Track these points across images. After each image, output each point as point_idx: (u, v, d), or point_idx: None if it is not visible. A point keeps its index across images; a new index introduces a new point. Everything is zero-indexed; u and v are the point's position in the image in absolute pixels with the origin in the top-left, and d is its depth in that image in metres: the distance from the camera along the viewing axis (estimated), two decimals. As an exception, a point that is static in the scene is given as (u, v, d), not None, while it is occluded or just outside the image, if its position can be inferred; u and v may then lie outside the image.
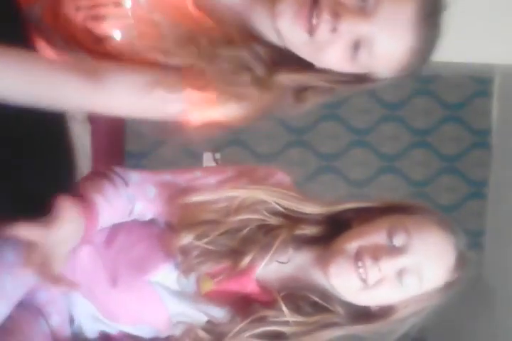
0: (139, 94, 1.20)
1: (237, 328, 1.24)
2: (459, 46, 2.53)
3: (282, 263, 1.27)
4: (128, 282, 1.25)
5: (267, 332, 1.25)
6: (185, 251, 1.25)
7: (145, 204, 1.30)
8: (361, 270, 1.21)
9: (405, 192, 3.53)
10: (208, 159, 3.37)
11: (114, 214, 1.27)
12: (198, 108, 1.23)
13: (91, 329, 1.30)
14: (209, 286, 1.26)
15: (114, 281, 1.25)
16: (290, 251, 1.27)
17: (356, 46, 1.14)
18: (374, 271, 1.21)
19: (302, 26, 1.14)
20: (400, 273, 1.22)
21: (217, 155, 3.37)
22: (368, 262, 1.21)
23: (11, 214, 1.13)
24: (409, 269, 1.22)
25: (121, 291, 1.25)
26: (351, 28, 1.13)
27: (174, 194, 1.29)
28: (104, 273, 1.26)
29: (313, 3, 1.12)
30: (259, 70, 1.21)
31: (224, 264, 1.25)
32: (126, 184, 1.29)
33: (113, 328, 1.30)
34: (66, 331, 1.28)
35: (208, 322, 1.26)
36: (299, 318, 1.26)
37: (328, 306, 1.28)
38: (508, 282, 3.19)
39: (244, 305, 1.27)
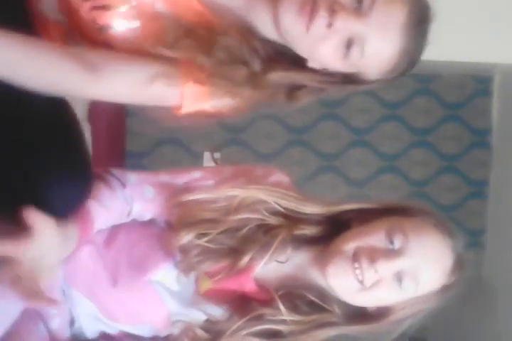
0: (136, 84, 1.23)
1: (235, 326, 1.24)
2: (459, 45, 2.53)
3: (281, 262, 1.28)
4: (128, 281, 1.25)
5: (264, 330, 1.25)
6: (184, 250, 1.25)
7: (143, 204, 1.30)
8: (358, 271, 1.22)
9: (405, 191, 3.53)
10: (208, 159, 3.37)
11: (110, 217, 1.27)
12: (192, 99, 1.27)
13: (91, 329, 1.30)
14: (207, 285, 1.26)
15: (114, 281, 1.26)
16: (289, 251, 1.28)
17: (349, 44, 1.20)
18: (370, 273, 1.21)
19: (301, 22, 1.19)
20: (397, 276, 1.22)
21: (217, 155, 3.37)
22: (365, 263, 1.21)
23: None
24: (406, 271, 1.22)
25: (121, 291, 1.25)
26: (346, 25, 1.18)
27: (172, 194, 1.30)
28: (105, 273, 1.26)
29: (313, 0, 1.18)
30: (256, 65, 1.25)
31: (223, 263, 1.25)
32: (124, 185, 1.29)
33: (113, 328, 1.30)
34: (65, 333, 1.28)
35: (207, 320, 1.26)
36: (296, 317, 1.26)
37: (325, 306, 1.28)
38: (509, 281, 3.20)
39: (242, 304, 1.27)
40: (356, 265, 1.22)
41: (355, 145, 3.54)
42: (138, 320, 1.28)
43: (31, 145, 1.19)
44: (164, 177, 1.34)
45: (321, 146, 3.51)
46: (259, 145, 3.46)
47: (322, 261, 1.26)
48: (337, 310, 1.28)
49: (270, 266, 1.28)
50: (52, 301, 1.14)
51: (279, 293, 1.27)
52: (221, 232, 1.26)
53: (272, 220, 1.28)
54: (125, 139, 3.36)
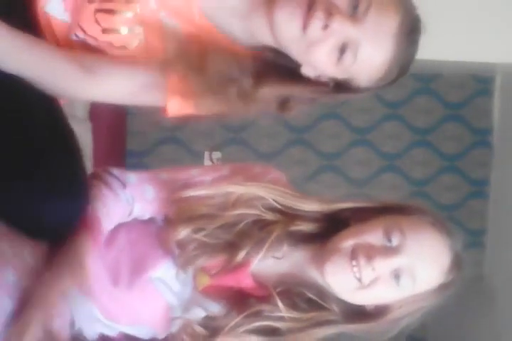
0: (128, 89, 1.29)
1: (233, 323, 1.24)
2: (460, 45, 2.53)
3: (277, 258, 1.28)
4: (129, 280, 1.26)
5: (261, 327, 1.26)
6: (182, 244, 1.26)
7: (143, 204, 1.31)
8: (355, 269, 1.22)
9: (406, 191, 3.53)
10: (208, 158, 3.38)
11: (114, 220, 1.28)
12: (178, 110, 1.32)
13: (91, 331, 1.30)
14: (205, 282, 1.26)
15: (115, 280, 1.26)
16: (285, 247, 1.28)
17: (343, 49, 1.22)
18: (368, 271, 1.22)
19: (297, 23, 1.21)
20: (395, 273, 1.23)
21: (217, 154, 3.37)
22: (362, 261, 1.22)
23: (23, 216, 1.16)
24: (403, 269, 1.23)
25: (123, 290, 1.26)
26: (341, 28, 1.20)
27: (172, 193, 1.30)
28: (106, 272, 1.26)
29: (310, 2, 1.20)
30: (246, 83, 1.28)
31: (220, 258, 1.26)
32: (124, 186, 1.30)
33: (113, 329, 1.30)
34: (66, 334, 1.28)
35: (205, 317, 1.26)
36: (294, 314, 1.26)
37: (323, 304, 1.28)
38: (509, 281, 3.20)
39: (240, 300, 1.27)
40: (354, 263, 1.22)
41: (356, 144, 3.54)
42: (138, 320, 1.28)
43: (26, 157, 1.19)
44: (163, 176, 1.35)
45: (322, 146, 3.51)
46: (259, 145, 3.46)
47: (320, 258, 1.27)
48: (335, 308, 1.28)
49: (268, 263, 1.28)
50: None
51: (278, 289, 1.27)
52: (218, 227, 1.27)
53: (269, 216, 1.29)
54: (126, 138, 3.37)
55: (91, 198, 1.24)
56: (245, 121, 3.39)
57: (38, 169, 1.18)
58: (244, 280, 1.28)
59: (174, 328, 1.27)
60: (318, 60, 1.25)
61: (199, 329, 1.25)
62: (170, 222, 1.28)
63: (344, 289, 1.26)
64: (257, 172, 1.38)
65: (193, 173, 1.36)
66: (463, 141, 3.57)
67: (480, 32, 2.56)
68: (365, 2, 1.21)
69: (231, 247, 1.27)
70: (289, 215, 1.30)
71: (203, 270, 1.26)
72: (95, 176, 1.30)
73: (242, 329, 1.24)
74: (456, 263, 1.28)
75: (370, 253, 1.22)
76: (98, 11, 1.29)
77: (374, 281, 1.23)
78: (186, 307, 1.26)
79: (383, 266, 1.22)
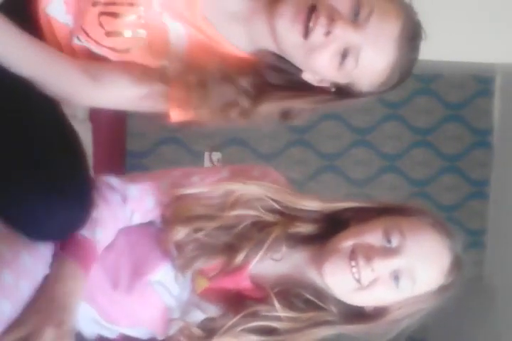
0: (130, 97, 1.30)
1: (230, 323, 1.24)
2: (461, 45, 2.53)
3: (276, 260, 1.28)
4: (129, 283, 1.26)
5: (259, 327, 1.26)
6: (180, 245, 1.26)
7: (144, 213, 1.31)
8: (354, 269, 1.22)
9: (406, 191, 3.53)
10: (208, 158, 3.37)
11: (110, 238, 1.28)
12: (179, 118, 1.34)
13: (90, 333, 1.30)
14: (204, 284, 1.26)
15: (115, 284, 1.26)
16: (284, 249, 1.28)
17: (345, 54, 1.23)
18: (367, 271, 1.22)
19: (298, 28, 1.22)
20: (394, 274, 1.23)
21: (217, 155, 3.37)
22: (361, 262, 1.22)
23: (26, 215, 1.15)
24: (402, 271, 1.23)
25: (122, 293, 1.26)
26: (344, 33, 1.21)
27: (171, 194, 1.30)
28: (105, 276, 1.26)
29: (312, 8, 1.21)
30: (246, 103, 1.30)
31: (218, 260, 1.26)
32: (125, 200, 1.29)
33: (113, 331, 1.30)
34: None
35: (203, 319, 1.26)
36: (291, 314, 1.26)
37: (321, 304, 1.28)
38: (510, 281, 3.19)
39: (237, 302, 1.27)
40: (353, 263, 1.22)
41: (356, 145, 3.53)
42: (138, 322, 1.28)
43: (32, 166, 1.18)
44: (164, 183, 1.33)
45: (322, 146, 3.51)
46: (260, 145, 3.45)
47: (319, 259, 1.27)
48: (334, 308, 1.28)
49: (266, 264, 1.28)
50: None
51: (275, 290, 1.27)
52: (216, 228, 1.27)
53: (268, 217, 1.29)
54: (126, 139, 3.36)
55: (95, 201, 1.23)
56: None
57: (39, 171, 1.17)
58: (242, 282, 1.28)
59: (172, 330, 1.27)
60: (320, 66, 1.25)
61: (196, 331, 1.25)
62: (168, 222, 1.28)
63: (343, 290, 1.26)
64: (255, 174, 1.38)
65: (194, 180, 1.35)
66: (463, 141, 3.57)
67: (480, 32, 2.56)
68: (367, 8, 1.22)
69: (230, 249, 1.26)
70: (288, 216, 1.30)
71: (201, 273, 1.26)
72: (94, 187, 1.29)
73: (238, 329, 1.24)
74: (456, 265, 1.28)
75: (370, 253, 1.22)
76: (102, 14, 1.29)
77: (373, 282, 1.23)
78: (184, 309, 1.26)
79: (382, 267, 1.22)
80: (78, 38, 1.32)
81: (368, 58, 1.24)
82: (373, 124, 3.53)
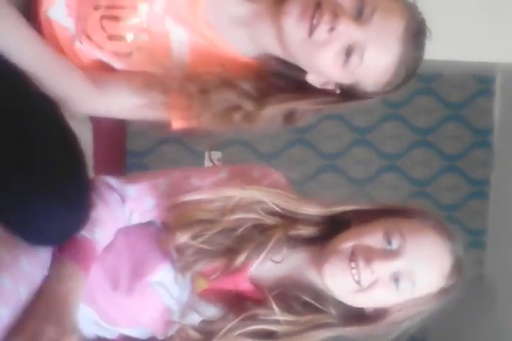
0: (131, 107, 1.31)
1: (228, 326, 1.24)
2: (461, 45, 2.53)
3: (276, 262, 1.28)
4: (129, 284, 1.25)
5: (257, 330, 1.25)
6: (181, 249, 1.25)
7: (142, 214, 1.31)
8: (354, 271, 1.22)
9: (407, 191, 3.52)
10: (209, 158, 3.37)
11: (109, 239, 1.27)
12: (181, 126, 1.35)
13: (90, 334, 1.30)
14: (203, 285, 1.26)
15: (115, 285, 1.25)
16: (284, 251, 1.28)
17: (349, 52, 1.23)
18: (367, 273, 1.22)
19: (304, 26, 1.22)
20: (394, 277, 1.22)
21: (218, 154, 3.36)
22: (361, 263, 1.22)
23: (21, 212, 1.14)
24: (402, 273, 1.22)
25: (122, 294, 1.25)
26: (347, 30, 1.21)
27: (171, 201, 1.29)
28: (106, 277, 1.25)
29: (317, 5, 1.21)
30: (249, 106, 1.30)
31: (218, 262, 1.25)
32: (123, 199, 1.29)
33: (112, 332, 1.30)
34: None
35: (202, 321, 1.26)
36: (290, 317, 1.26)
37: (320, 307, 1.28)
38: (510, 281, 3.19)
39: (237, 304, 1.27)
40: (353, 265, 1.22)
41: (357, 144, 3.53)
42: (138, 322, 1.28)
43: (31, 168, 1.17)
44: (163, 184, 1.33)
45: (322, 146, 3.51)
46: (260, 145, 3.45)
47: (319, 260, 1.26)
48: (333, 310, 1.28)
49: (266, 266, 1.28)
50: None
51: (274, 292, 1.27)
52: (217, 233, 1.26)
53: (269, 220, 1.28)
54: (126, 138, 3.36)
55: (92, 205, 1.23)
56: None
57: (37, 174, 1.16)
58: (242, 284, 1.27)
59: (171, 332, 1.26)
60: (325, 64, 1.25)
61: (193, 334, 1.24)
62: (168, 227, 1.28)
63: (343, 291, 1.26)
64: (255, 175, 1.37)
65: (192, 180, 1.34)
66: (463, 140, 3.57)
67: (480, 32, 2.56)
68: (371, 6, 1.22)
69: (230, 252, 1.26)
70: (289, 219, 1.30)
71: (201, 274, 1.26)
72: (93, 191, 1.28)
73: (237, 332, 1.24)
74: (457, 268, 1.27)
75: (370, 255, 1.22)
76: (104, 17, 1.29)
77: (373, 284, 1.23)
78: (184, 311, 1.26)
79: (382, 269, 1.22)
80: (80, 42, 1.32)
81: (372, 56, 1.23)
82: (373, 124, 3.53)
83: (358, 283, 1.22)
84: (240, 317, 1.24)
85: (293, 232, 1.29)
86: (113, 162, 3.01)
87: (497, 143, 3.54)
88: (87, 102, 1.30)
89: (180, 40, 1.31)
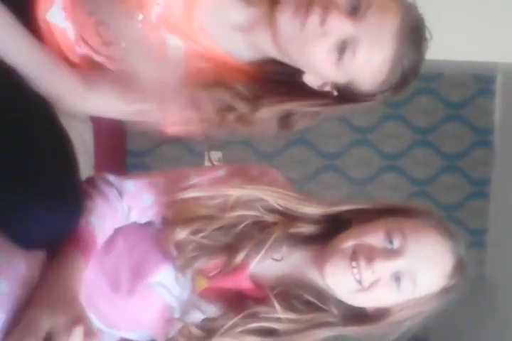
0: (121, 109, 1.30)
1: (229, 324, 1.24)
2: (461, 44, 2.52)
3: (276, 260, 1.28)
4: (130, 286, 1.25)
5: (258, 328, 1.25)
6: (180, 246, 1.25)
7: (140, 211, 1.31)
8: (355, 270, 1.22)
9: (407, 191, 3.52)
10: (209, 158, 3.37)
11: (109, 232, 1.27)
12: (176, 132, 1.35)
13: None
14: (203, 284, 1.26)
15: (115, 287, 1.25)
16: (284, 249, 1.28)
17: (342, 48, 1.21)
18: (368, 273, 1.21)
19: (296, 21, 1.21)
20: (395, 276, 1.22)
21: (218, 154, 3.36)
22: (362, 262, 1.21)
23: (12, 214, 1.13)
24: (404, 272, 1.22)
25: (123, 296, 1.25)
26: (339, 24, 1.20)
27: (169, 197, 1.29)
28: (106, 280, 1.25)
29: (310, 2, 1.20)
30: (243, 108, 1.29)
31: (218, 260, 1.25)
32: (121, 194, 1.29)
33: (113, 336, 1.29)
34: None
35: (203, 319, 1.26)
36: (291, 315, 1.26)
37: (322, 306, 1.28)
38: (511, 281, 3.19)
39: (237, 302, 1.27)
40: (354, 264, 1.22)
41: (357, 144, 3.53)
42: (139, 325, 1.28)
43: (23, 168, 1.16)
44: (161, 181, 1.33)
45: (323, 145, 3.51)
46: (260, 145, 3.45)
47: (320, 260, 1.26)
48: (334, 310, 1.28)
49: (266, 264, 1.28)
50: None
51: (275, 291, 1.27)
52: (217, 229, 1.26)
53: (269, 217, 1.28)
54: (126, 138, 3.36)
55: (85, 209, 1.22)
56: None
57: (28, 178, 1.15)
58: (242, 282, 1.27)
59: (173, 332, 1.26)
60: (318, 60, 1.24)
61: (195, 331, 1.24)
62: (168, 223, 1.28)
63: (344, 291, 1.26)
64: (254, 173, 1.37)
65: (190, 178, 1.34)
66: (464, 140, 3.57)
67: (481, 31, 2.56)
68: (365, 2, 1.21)
69: (230, 249, 1.26)
70: (289, 217, 1.30)
71: (201, 272, 1.25)
72: (91, 183, 1.28)
73: (238, 329, 1.24)
74: (459, 267, 1.27)
75: (371, 254, 1.22)
76: (100, 23, 1.29)
77: (374, 284, 1.22)
78: (184, 309, 1.26)
79: (383, 268, 1.22)
80: (78, 45, 1.32)
81: (365, 52, 1.22)
82: (374, 124, 3.53)
83: (359, 282, 1.22)
84: (241, 315, 1.24)
85: (293, 230, 1.29)
86: (113, 162, 3.01)
87: (497, 142, 3.53)
88: (75, 99, 1.28)
89: (176, 48, 1.31)
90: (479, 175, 3.57)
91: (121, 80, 1.27)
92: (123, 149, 3.35)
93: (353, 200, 1.35)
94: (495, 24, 2.57)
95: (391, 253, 1.22)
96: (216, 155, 3.37)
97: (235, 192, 1.27)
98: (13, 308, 1.10)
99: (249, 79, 1.32)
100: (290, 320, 1.26)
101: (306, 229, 1.30)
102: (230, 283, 1.27)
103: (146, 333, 1.29)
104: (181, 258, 1.25)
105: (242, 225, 1.27)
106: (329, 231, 1.30)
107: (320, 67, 1.26)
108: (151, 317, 1.26)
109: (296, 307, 1.27)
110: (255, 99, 1.30)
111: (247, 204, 1.28)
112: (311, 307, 1.28)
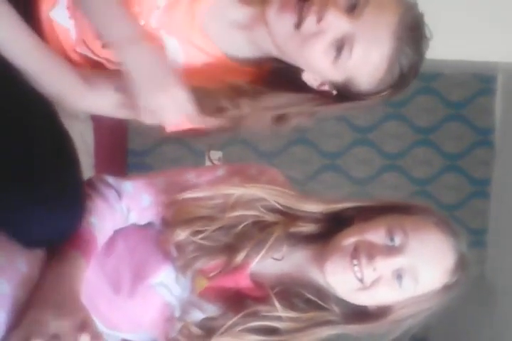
0: (119, 108, 1.30)
1: (230, 322, 1.24)
2: (462, 44, 2.52)
3: (277, 259, 1.28)
4: (131, 288, 1.25)
5: (259, 326, 1.25)
6: (180, 247, 1.25)
7: (140, 212, 1.30)
8: (356, 268, 1.21)
9: (408, 190, 3.52)
10: (209, 157, 3.37)
11: (109, 234, 1.27)
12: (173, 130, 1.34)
13: None
14: (204, 284, 1.26)
15: (116, 289, 1.25)
16: (285, 248, 1.27)
17: (339, 46, 1.20)
18: (369, 270, 1.21)
19: (289, 18, 1.20)
20: (397, 273, 1.22)
21: (218, 154, 3.36)
22: (364, 260, 1.21)
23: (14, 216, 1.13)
24: (405, 270, 1.22)
25: (124, 298, 1.25)
26: (337, 21, 1.19)
27: (168, 197, 1.29)
28: (106, 281, 1.25)
29: None
30: (242, 108, 1.29)
31: (218, 260, 1.25)
32: (120, 196, 1.29)
33: (114, 338, 1.29)
34: None
35: (203, 319, 1.26)
36: (292, 314, 1.26)
37: (323, 304, 1.28)
38: (511, 280, 3.19)
39: (238, 301, 1.27)
40: (355, 262, 1.22)
41: (358, 143, 3.53)
42: (140, 326, 1.28)
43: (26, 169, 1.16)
44: (160, 181, 1.33)
45: (324, 145, 3.51)
46: (261, 144, 3.45)
47: (321, 258, 1.26)
48: (336, 308, 1.28)
49: (267, 263, 1.28)
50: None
51: (276, 290, 1.27)
52: (217, 229, 1.26)
53: (269, 217, 1.28)
54: (127, 137, 3.36)
55: (86, 209, 1.22)
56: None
57: (29, 178, 1.14)
58: (242, 281, 1.27)
59: (173, 332, 1.26)
60: (316, 57, 1.23)
61: (195, 330, 1.24)
62: (168, 224, 1.28)
63: (345, 289, 1.26)
64: (253, 172, 1.37)
65: (189, 177, 1.34)
66: (465, 140, 3.57)
67: (482, 31, 2.55)
68: (363, 0, 1.20)
69: (230, 249, 1.26)
70: (289, 216, 1.30)
71: (201, 272, 1.25)
72: (90, 185, 1.28)
73: (238, 328, 1.24)
74: (460, 265, 1.27)
75: (372, 252, 1.22)
76: None
77: (376, 282, 1.22)
78: (185, 309, 1.26)
79: (385, 265, 1.22)
80: (81, 48, 1.32)
81: (362, 50, 1.21)
82: (375, 123, 3.53)
83: (361, 280, 1.22)
84: (241, 314, 1.24)
85: (293, 229, 1.29)
86: (114, 161, 3.02)
87: (498, 142, 3.53)
88: (76, 97, 1.29)
89: (175, 51, 1.31)
90: (480, 175, 3.56)
91: (121, 80, 1.27)
92: (124, 149, 3.35)
93: (354, 198, 1.34)
94: (496, 23, 2.57)
95: (392, 251, 1.22)
96: (216, 154, 3.37)
97: (235, 191, 1.27)
98: (14, 308, 1.10)
99: (248, 79, 1.32)
100: (291, 319, 1.26)
101: (307, 228, 1.30)
102: (230, 282, 1.27)
103: (147, 334, 1.29)
104: (181, 259, 1.25)
105: (243, 225, 1.27)
106: (330, 230, 1.30)
107: (318, 66, 1.25)
108: (152, 317, 1.26)
109: (297, 306, 1.27)
110: (255, 99, 1.30)
111: (247, 204, 1.28)
112: (312, 305, 1.28)
